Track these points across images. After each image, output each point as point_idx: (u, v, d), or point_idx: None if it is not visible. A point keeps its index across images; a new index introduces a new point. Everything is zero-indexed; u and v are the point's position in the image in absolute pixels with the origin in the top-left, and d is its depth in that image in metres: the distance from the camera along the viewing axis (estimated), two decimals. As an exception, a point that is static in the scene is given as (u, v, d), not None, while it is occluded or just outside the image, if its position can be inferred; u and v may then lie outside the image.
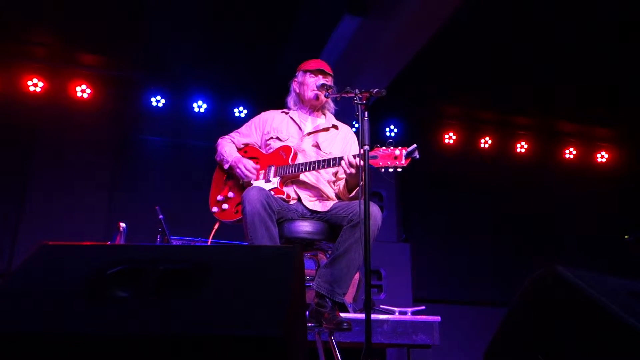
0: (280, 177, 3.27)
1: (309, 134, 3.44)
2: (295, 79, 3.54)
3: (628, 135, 7.86)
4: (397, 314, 4.59)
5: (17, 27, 5.94)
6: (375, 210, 2.95)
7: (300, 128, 3.47)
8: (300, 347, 1.56)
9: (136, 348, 1.31)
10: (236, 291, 1.47)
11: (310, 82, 3.43)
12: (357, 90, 2.88)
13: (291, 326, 1.36)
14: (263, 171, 3.34)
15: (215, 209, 3.39)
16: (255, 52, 6.30)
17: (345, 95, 3.00)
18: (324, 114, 3.56)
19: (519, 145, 7.75)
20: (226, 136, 3.62)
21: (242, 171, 3.34)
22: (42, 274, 1.58)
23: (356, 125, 3.23)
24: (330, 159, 3.12)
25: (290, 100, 3.58)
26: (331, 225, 3.16)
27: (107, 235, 5.80)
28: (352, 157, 3.00)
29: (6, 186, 6.08)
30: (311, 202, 3.25)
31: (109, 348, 1.32)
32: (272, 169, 3.31)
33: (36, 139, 6.30)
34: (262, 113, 3.64)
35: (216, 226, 3.42)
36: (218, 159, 3.53)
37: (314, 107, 3.52)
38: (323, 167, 3.16)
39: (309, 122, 3.51)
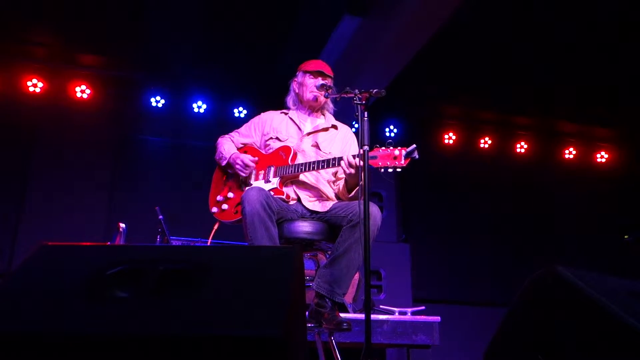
0: (280, 177, 3.27)
1: (309, 134, 3.44)
2: (295, 79, 3.54)
3: (628, 136, 7.86)
4: (396, 314, 4.59)
5: (17, 27, 5.94)
6: (375, 210, 2.95)
7: (299, 128, 3.47)
8: (300, 347, 1.56)
9: (136, 348, 1.31)
10: (236, 291, 1.47)
11: (310, 84, 3.43)
12: (356, 91, 2.88)
13: (291, 326, 1.36)
14: (263, 171, 3.34)
15: (214, 210, 3.39)
16: (255, 52, 6.30)
17: (345, 96, 3.00)
18: (323, 114, 3.56)
19: (518, 146, 7.75)
20: (226, 135, 3.62)
21: (240, 166, 3.35)
22: (42, 274, 1.58)
23: (356, 126, 3.23)
24: (329, 159, 3.12)
25: (290, 99, 3.59)
26: (331, 225, 3.16)
27: (107, 235, 5.80)
28: (351, 157, 3.00)
29: (6, 186, 6.08)
30: (311, 203, 3.25)
31: (109, 348, 1.32)
32: (272, 169, 3.31)
33: (36, 140, 6.30)
34: (262, 114, 3.65)
35: (216, 226, 3.42)
36: (217, 157, 3.53)
37: (313, 108, 3.52)
38: (323, 167, 3.16)
39: (309, 123, 3.51)
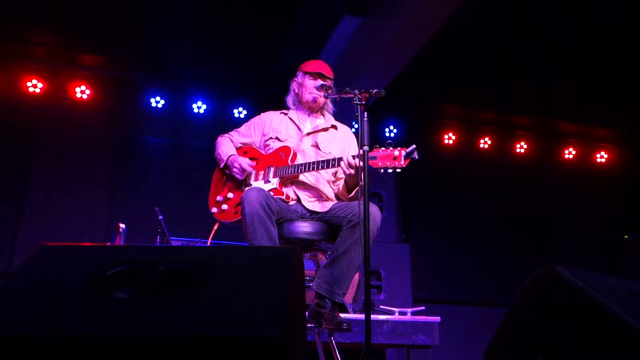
0: (280, 177, 3.27)
1: (308, 134, 3.44)
2: (295, 79, 3.54)
3: (627, 136, 7.86)
4: (396, 314, 4.59)
5: (16, 27, 5.94)
6: (374, 210, 2.96)
7: (299, 128, 3.47)
8: (300, 347, 1.56)
9: (136, 348, 1.31)
10: (236, 292, 1.47)
11: (309, 85, 3.43)
12: (356, 91, 2.87)
13: (291, 326, 1.36)
14: (262, 172, 3.34)
15: (214, 210, 3.39)
16: (255, 52, 6.30)
17: (345, 96, 3.00)
18: (323, 115, 3.56)
19: (518, 146, 7.75)
20: (225, 135, 3.63)
21: (237, 169, 3.35)
22: (42, 275, 1.58)
23: (356, 126, 3.23)
24: (329, 160, 3.12)
25: (289, 99, 3.59)
26: (331, 225, 3.16)
27: (107, 235, 5.80)
28: (351, 158, 3.00)
29: (6, 187, 6.08)
30: (310, 203, 3.25)
31: (109, 348, 1.32)
32: (272, 169, 3.31)
33: (36, 140, 6.30)
34: (262, 114, 3.65)
35: (216, 227, 3.42)
36: (216, 158, 3.54)
37: (312, 109, 3.52)
38: (322, 167, 3.16)
39: (308, 123, 3.51)
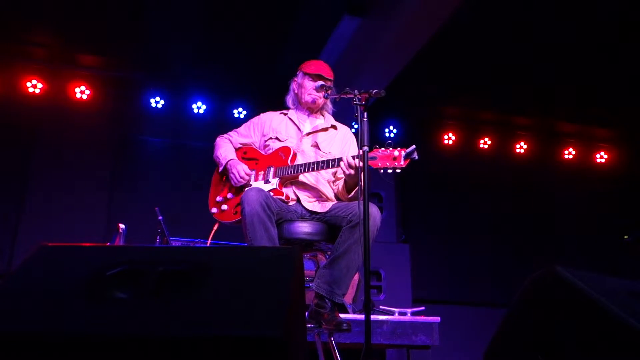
0: (280, 178, 3.27)
1: (308, 134, 3.45)
2: (295, 79, 3.54)
3: (627, 136, 7.86)
4: (396, 314, 4.59)
5: (16, 27, 5.94)
6: (374, 211, 2.95)
7: (299, 128, 3.47)
8: (299, 347, 1.56)
9: (136, 349, 1.31)
10: (236, 292, 1.47)
11: (308, 87, 3.43)
12: (356, 91, 2.87)
13: (291, 326, 1.36)
14: (262, 172, 3.34)
15: (214, 210, 3.39)
16: (254, 53, 6.30)
17: (345, 96, 3.00)
18: (323, 115, 3.57)
19: (518, 146, 7.75)
20: (224, 135, 3.62)
21: (235, 176, 3.35)
22: (42, 275, 1.58)
23: (355, 126, 3.23)
24: (329, 160, 3.12)
25: (289, 99, 3.59)
26: (330, 226, 3.16)
27: (107, 236, 5.80)
28: (351, 158, 3.00)
29: (6, 187, 6.08)
30: (310, 203, 3.25)
31: (109, 349, 1.32)
32: (272, 169, 3.31)
33: (36, 140, 6.30)
34: (261, 114, 3.65)
35: (215, 227, 3.42)
36: (215, 160, 3.54)
37: (312, 110, 3.52)
38: (322, 168, 3.15)
39: (308, 123, 3.51)
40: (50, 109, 6.38)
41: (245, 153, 3.50)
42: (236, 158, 3.46)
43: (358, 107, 2.84)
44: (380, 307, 4.93)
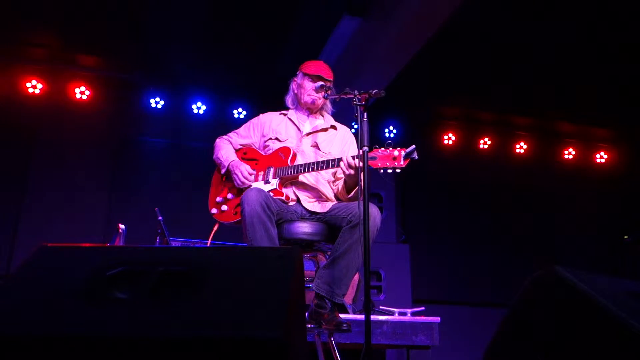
0: (279, 178, 3.27)
1: (308, 134, 3.45)
2: (295, 79, 3.53)
3: (627, 136, 7.86)
4: (396, 314, 4.59)
5: (16, 28, 5.94)
6: (374, 211, 2.95)
7: (298, 129, 3.47)
8: (300, 348, 1.56)
9: (136, 350, 1.31)
10: (235, 292, 1.47)
11: (308, 87, 3.42)
12: (356, 91, 2.87)
13: (291, 327, 1.36)
14: (262, 172, 3.34)
15: (214, 211, 3.39)
16: (254, 53, 6.30)
17: (345, 96, 3.00)
18: (322, 115, 3.56)
19: (518, 146, 7.75)
20: (224, 136, 3.62)
21: (238, 177, 3.34)
22: (42, 276, 1.58)
23: (355, 126, 3.23)
24: (329, 160, 3.12)
25: (289, 99, 3.59)
26: (330, 226, 3.16)
27: (107, 236, 5.80)
28: (350, 158, 3.00)
29: (6, 187, 6.08)
30: (310, 203, 3.25)
31: (109, 350, 1.32)
32: (271, 170, 3.31)
33: (36, 141, 6.31)
34: (260, 115, 3.64)
35: (215, 227, 3.41)
36: (216, 162, 3.54)
37: (311, 110, 3.52)
38: (322, 168, 3.15)
39: (308, 123, 3.51)
40: (50, 110, 6.38)
41: (245, 154, 3.50)
42: (237, 159, 3.45)
43: (358, 107, 2.84)
44: (380, 307, 4.92)
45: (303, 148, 3.39)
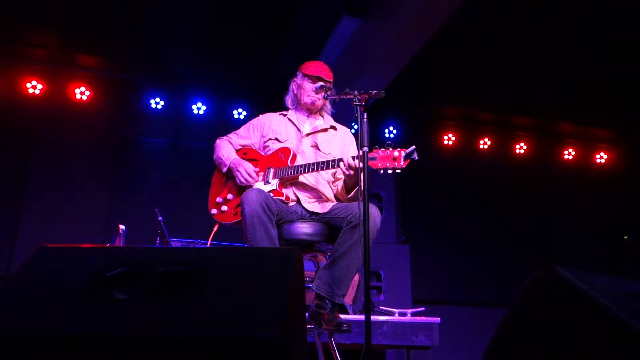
0: (279, 178, 3.27)
1: (308, 134, 3.45)
2: (295, 79, 3.53)
3: (627, 136, 7.86)
4: (396, 315, 4.59)
5: (16, 28, 5.94)
6: (374, 211, 2.95)
7: (298, 129, 3.47)
8: (300, 348, 1.56)
9: (136, 350, 1.31)
10: (235, 293, 1.47)
11: (308, 88, 3.42)
12: (356, 92, 2.87)
13: (291, 327, 1.36)
14: (262, 173, 3.34)
15: (214, 211, 3.39)
16: (254, 54, 6.30)
17: (344, 97, 2.99)
18: (322, 116, 3.57)
19: (518, 146, 7.75)
20: (224, 137, 3.62)
21: (241, 174, 3.34)
22: (42, 276, 1.58)
23: (355, 127, 3.23)
24: (329, 161, 3.12)
25: (288, 99, 3.59)
26: (330, 226, 3.16)
27: (107, 236, 5.80)
28: (350, 159, 2.99)
29: (6, 188, 6.08)
30: (310, 204, 3.25)
31: (109, 350, 1.32)
32: (271, 170, 3.31)
33: (36, 141, 6.31)
34: (260, 115, 3.64)
35: (215, 228, 3.41)
36: (216, 161, 3.53)
37: (311, 111, 3.52)
38: (322, 168, 3.15)
39: (307, 124, 3.51)
40: (50, 110, 6.38)
41: (245, 154, 3.50)
42: (239, 157, 3.45)
43: (358, 107, 2.83)
44: (380, 307, 4.92)
45: (303, 148, 3.39)
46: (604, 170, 7.91)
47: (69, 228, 5.98)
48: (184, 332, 1.32)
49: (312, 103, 3.43)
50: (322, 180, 3.36)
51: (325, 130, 3.48)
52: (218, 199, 3.40)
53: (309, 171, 3.20)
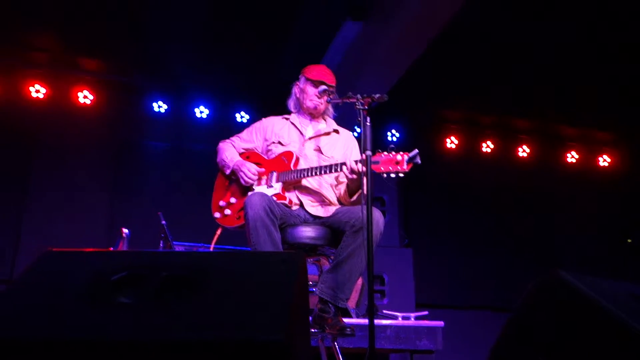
0: (282, 182, 3.27)
1: (311, 138, 3.45)
2: (298, 83, 3.54)
3: (630, 138, 7.84)
4: (400, 319, 4.58)
5: (18, 32, 5.96)
6: (377, 215, 2.95)
7: (301, 133, 3.47)
8: (303, 352, 1.56)
9: (139, 353, 1.31)
10: (239, 296, 1.47)
11: (310, 92, 3.42)
12: (359, 96, 2.87)
13: (294, 331, 1.36)
14: (265, 177, 3.34)
15: (217, 215, 3.39)
16: (257, 57, 6.31)
17: (347, 101, 3.00)
18: (325, 119, 3.57)
19: (521, 150, 7.73)
20: (227, 140, 3.62)
21: (245, 174, 3.34)
22: (46, 281, 1.58)
23: (358, 130, 3.23)
24: (332, 165, 3.12)
25: (291, 102, 3.59)
26: (333, 230, 3.16)
27: (110, 240, 5.80)
28: (353, 163, 2.99)
29: (9, 191, 6.09)
30: (313, 208, 3.25)
31: (113, 353, 1.32)
32: (274, 174, 3.31)
33: (39, 145, 6.31)
34: (263, 119, 3.65)
35: (218, 232, 3.42)
36: (220, 164, 3.54)
37: (313, 115, 3.52)
38: (325, 172, 3.15)
39: (310, 127, 3.51)
40: (53, 114, 6.39)
41: (248, 157, 3.50)
42: (242, 159, 3.46)
43: (361, 111, 2.84)
44: (384, 311, 4.92)
45: (306, 152, 3.40)
46: (608, 173, 7.89)
47: (71, 232, 5.98)
48: (187, 334, 1.32)
49: (315, 107, 3.44)
50: (325, 184, 3.37)
51: (328, 133, 3.48)
52: (221, 203, 3.40)
53: (311, 175, 3.20)
